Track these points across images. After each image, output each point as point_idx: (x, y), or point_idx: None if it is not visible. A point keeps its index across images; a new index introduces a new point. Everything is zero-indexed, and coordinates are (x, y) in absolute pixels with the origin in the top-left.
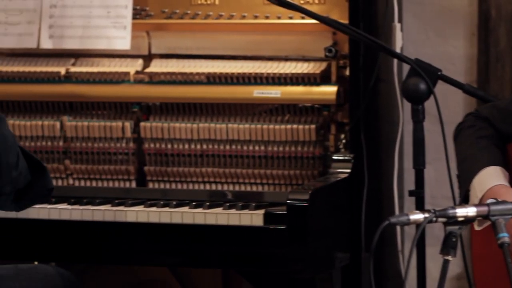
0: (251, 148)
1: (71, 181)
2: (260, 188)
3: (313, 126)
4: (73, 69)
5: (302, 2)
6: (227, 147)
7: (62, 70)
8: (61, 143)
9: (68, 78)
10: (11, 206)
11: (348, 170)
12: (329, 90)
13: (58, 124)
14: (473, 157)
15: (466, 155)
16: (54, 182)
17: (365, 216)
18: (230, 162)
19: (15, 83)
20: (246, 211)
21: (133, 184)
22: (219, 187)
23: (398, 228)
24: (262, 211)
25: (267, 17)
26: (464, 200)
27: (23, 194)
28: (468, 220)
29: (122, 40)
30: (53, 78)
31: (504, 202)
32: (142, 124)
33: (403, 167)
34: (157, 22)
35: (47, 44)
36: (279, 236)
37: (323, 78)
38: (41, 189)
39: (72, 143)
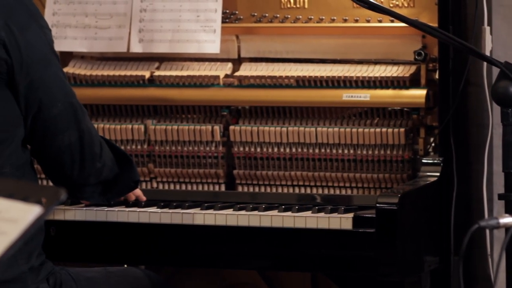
0: (340, 151)
1: (159, 185)
2: (349, 192)
3: (402, 130)
4: (162, 73)
5: (391, 5)
6: (316, 150)
7: (148, 74)
8: (145, 147)
9: (156, 81)
10: (99, 198)
11: (437, 174)
12: (419, 94)
13: (142, 127)
14: None
15: None
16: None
17: (454, 220)
18: (319, 166)
19: (105, 87)
20: (335, 214)
21: (222, 188)
22: (308, 190)
23: (488, 231)
24: (351, 215)
25: (356, 21)
26: None
27: (110, 187)
28: None
29: (211, 44)
30: (143, 82)
31: None
32: (231, 127)
33: (492, 170)
34: (247, 25)
35: (137, 48)
36: (368, 240)
37: (412, 82)
38: (128, 181)
39: (162, 147)
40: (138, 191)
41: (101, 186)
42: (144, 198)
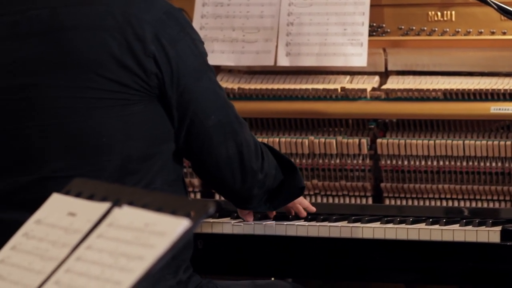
0: (487, 164)
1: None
2: (496, 205)
3: None
4: (309, 86)
5: None
6: (464, 163)
7: (296, 87)
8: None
9: (303, 95)
10: (266, 207)
11: None
12: None
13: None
14: None
15: None
16: None
17: None
18: (466, 179)
19: (252, 100)
20: (483, 227)
21: (369, 201)
22: (455, 203)
23: None
24: (499, 228)
25: (504, 33)
26: None
27: (276, 194)
28: None
29: (358, 57)
30: (290, 95)
31: None
32: (378, 140)
33: None
34: (394, 38)
35: (284, 61)
36: None
37: None
38: (293, 188)
39: (314, 160)
40: (306, 202)
41: (267, 194)
42: (313, 209)
